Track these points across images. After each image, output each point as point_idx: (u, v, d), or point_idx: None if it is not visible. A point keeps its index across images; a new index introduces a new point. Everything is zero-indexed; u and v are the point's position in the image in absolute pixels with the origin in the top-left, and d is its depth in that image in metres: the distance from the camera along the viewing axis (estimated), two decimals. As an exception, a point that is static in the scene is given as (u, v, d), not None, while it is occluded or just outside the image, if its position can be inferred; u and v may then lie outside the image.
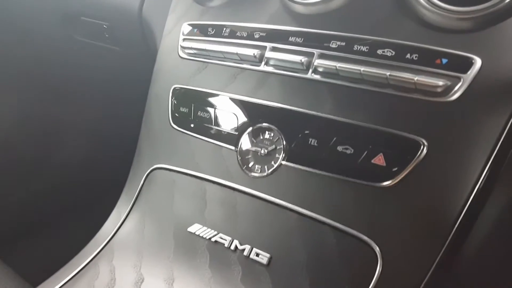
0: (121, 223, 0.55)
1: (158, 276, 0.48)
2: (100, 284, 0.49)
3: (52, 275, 0.52)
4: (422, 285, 0.41)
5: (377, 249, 0.41)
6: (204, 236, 0.50)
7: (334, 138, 0.45)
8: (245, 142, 0.51)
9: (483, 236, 0.44)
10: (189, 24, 0.59)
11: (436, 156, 0.41)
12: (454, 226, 0.41)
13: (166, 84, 0.59)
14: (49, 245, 0.75)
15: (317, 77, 0.47)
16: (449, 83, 0.41)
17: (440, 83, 0.40)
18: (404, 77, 0.41)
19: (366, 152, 0.43)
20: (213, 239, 0.49)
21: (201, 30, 0.57)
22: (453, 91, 0.41)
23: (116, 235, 0.54)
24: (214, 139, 0.53)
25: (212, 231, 0.50)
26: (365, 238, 0.42)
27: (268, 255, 0.46)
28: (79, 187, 0.81)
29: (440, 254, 0.41)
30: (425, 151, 0.41)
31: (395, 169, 0.41)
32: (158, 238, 0.52)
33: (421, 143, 0.41)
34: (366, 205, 0.43)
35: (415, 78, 0.41)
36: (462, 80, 0.40)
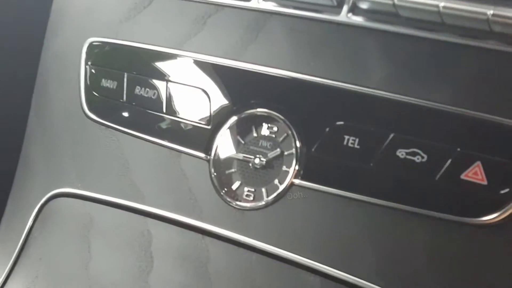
0: None
1: None
2: None
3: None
4: None
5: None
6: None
7: (391, 135, 0.45)
8: (225, 144, 0.51)
9: None
10: None
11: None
12: None
13: (75, 37, 0.59)
14: None
15: (358, 19, 0.48)
16: None
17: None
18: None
19: (450, 160, 0.43)
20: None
21: None
22: None
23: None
24: (165, 139, 0.54)
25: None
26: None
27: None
28: None
29: None
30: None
31: (505, 191, 0.42)
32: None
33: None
34: (450, 260, 0.43)
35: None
36: None
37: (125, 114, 0.56)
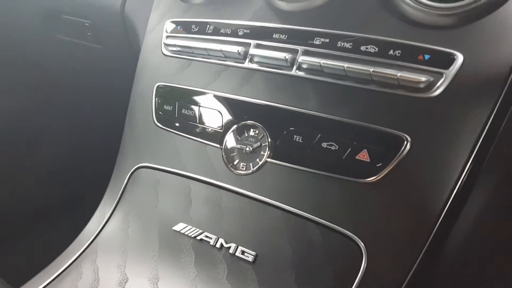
0: (105, 223, 0.54)
1: (143, 276, 0.47)
2: (83, 284, 0.48)
3: (34, 276, 0.50)
4: (406, 280, 0.41)
5: (362, 244, 0.42)
6: (189, 235, 0.49)
7: (319, 135, 0.45)
8: (230, 140, 0.51)
9: (466, 231, 0.45)
10: (172, 21, 0.58)
11: (419, 151, 0.41)
12: (438, 221, 0.41)
13: (149, 82, 0.58)
14: (32, 246, 0.73)
15: (301, 73, 0.47)
16: (431, 79, 0.41)
17: (423, 78, 0.41)
18: (387, 73, 0.42)
19: (350, 149, 0.43)
20: (198, 238, 0.49)
21: (185, 27, 0.57)
22: (435, 87, 0.41)
23: (99, 235, 0.53)
24: (198, 137, 0.53)
25: (197, 229, 0.49)
26: (350, 234, 0.42)
27: (254, 253, 0.46)
28: (61, 188, 0.80)
29: (424, 249, 0.41)
30: (408, 146, 0.41)
31: (379, 164, 0.41)
32: (143, 238, 0.51)
33: (405, 138, 0.41)
34: (350, 201, 0.43)
35: (398, 74, 0.41)
36: (444, 75, 0.41)
37: (177, 124, 0.55)
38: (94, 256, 0.50)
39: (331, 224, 0.43)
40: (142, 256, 0.49)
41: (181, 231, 0.50)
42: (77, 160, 0.82)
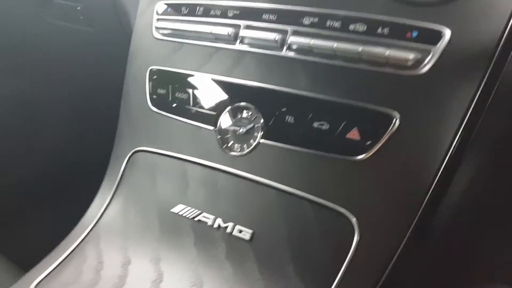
0: (105, 207, 0.55)
1: (145, 257, 0.49)
2: (88, 268, 0.50)
3: (41, 261, 0.52)
4: (398, 251, 0.42)
5: (353, 219, 0.43)
6: (188, 216, 0.51)
7: (310, 115, 0.45)
8: (224, 122, 0.51)
9: (455, 203, 0.46)
10: (164, 3, 0.58)
11: (408, 128, 0.42)
12: (427, 195, 0.42)
13: (142, 66, 0.58)
14: (36, 230, 0.75)
15: (291, 54, 0.47)
16: (419, 56, 0.41)
17: (411, 56, 0.41)
18: (375, 52, 0.42)
19: (341, 127, 0.44)
20: (196, 219, 0.50)
21: (175, 9, 0.57)
22: (423, 64, 0.41)
23: (101, 219, 0.54)
24: (193, 120, 0.54)
25: (196, 210, 0.51)
26: (342, 210, 0.43)
27: (250, 231, 0.47)
28: (62, 173, 0.81)
29: (415, 222, 0.43)
30: (397, 123, 0.42)
31: (369, 142, 0.42)
32: (143, 220, 0.53)
33: (393, 116, 0.42)
34: (342, 178, 0.44)
35: (386, 53, 0.42)
36: (432, 52, 0.41)
37: (171, 108, 0.56)
38: (97, 240, 0.52)
39: (323, 201, 0.44)
40: (143, 239, 0.51)
41: (179, 213, 0.51)
42: (76, 144, 0.83)
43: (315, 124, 0.45)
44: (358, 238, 0.43)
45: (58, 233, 0.56)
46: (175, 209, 0.52)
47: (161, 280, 0.46)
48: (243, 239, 0.47)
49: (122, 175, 0.57)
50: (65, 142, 0.85)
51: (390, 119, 0.42)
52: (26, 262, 0.56)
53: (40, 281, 0.50)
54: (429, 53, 0.41)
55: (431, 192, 0.42)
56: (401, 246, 0.43)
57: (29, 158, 0.79)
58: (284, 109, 0.47)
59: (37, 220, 0.80)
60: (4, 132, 0.74)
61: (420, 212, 0.42)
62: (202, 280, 0.45)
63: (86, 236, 0.53)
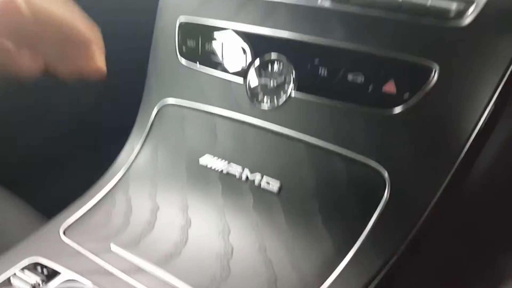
0: (135, 156, 0.56)
1: (173, 205, 0.50)
2: (117, 212, 0.51)
3: (68, 206, 0.53)
4: (429, 208, 0.42)
5: (385, 174, 0.42)
6: (216, 168, 0.51)
7: (345, 67, 0.45)
8: (254, 75, 0.51)
9: (490, 165, 0.45)
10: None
11: (447, 81, 0.41)
12: (462, 152, 0.41)
13: (171, 17, 0.58)
14: (61, 184, 0.76)
15: (327, 4, 0.46)
16: (462, 6, 0.40)
17: (453, 6, 0.40)
18: (417, 1, 0.41)
19: (377, 80, 0.43)
20: (224, 171, 0.50)
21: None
22: (466, 15, 0.40)
23: (130, 167, 0.55)
24: (222, 73, 0.53)
25: (223, 162, 0.51)
26: (373, 164, 0.43)
27: (278, 184, 0.47)
28: (92, 125, 0.82)
29: (447, 180, 0.42)
30: (436, 76, 0.41)
31: (406, 95, 0.41)
32: (171, 170, 0.53)
33: (433, 68, 0.41)
34: (376, 132, 0.43)
35: (428, 2, 0.40)
36: (475, 2, 0.39)
37: (200, 60, 0.55)
38: (126, 187, 0.53)
39: (355, 154, 0.44)
40: (172, 187, 0.52)
41: (207, 165, 0.52)
42: (100, 102, 0.83)
43: (350, 77, 0.44)
44: (389, 193, 0.42)
45: (86, 183, 0.57)
46: (203, 161, 0.52)
47: (189, 226, 0.47)
48: (270, 191, 0.47)
49: (151, 126, 0.57)
50: (88, 99, 0.85)
51: (429, 71, 0.41)
52: (52, 212, 0.56)
53: (69, 225, 0.51)
54: (472, 3, 0.40)
55: (467, 150, 0.41)
56: (432, 204, 0.42)
57: (51, 115, 0.79)
58: (317, 61, 0.46)
59: (62, 174, 0.81)
60: (25, 92, 0.75)
61: (454, 170, 0.42)
62: (229, 228, 0.46)
63: (115, 183, 0.54)
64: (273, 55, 0.50)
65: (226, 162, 0.50)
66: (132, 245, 0.45)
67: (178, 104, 0.56)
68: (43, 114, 0.74)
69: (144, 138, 0.57)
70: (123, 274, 0.42)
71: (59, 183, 0.78)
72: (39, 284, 0.40)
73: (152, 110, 0.58)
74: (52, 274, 0.41)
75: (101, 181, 0.55)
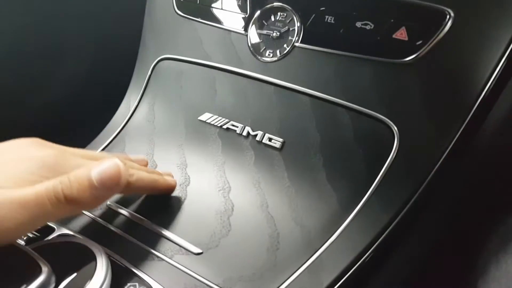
0: (131, 114, 0.53)
1: (171, 162, 0.48)
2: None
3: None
4: (439, 163, 0.40)
5: (394, 128, 0.40)
6: (215, 124, 0.49)
7: (353, 13, 0.42)
8: (256, 25, 0.48)
9: (503, 116, 0.43)
10: None
11: (462, 28, 0.38)
12: (475, 105, 0.39)
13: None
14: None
15: None
16: None
17: None
18: None
19: (387, 27, 0.40)
20: (224, 127, 0.48)
21: None
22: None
23: (126, 126, 0.53)
24: (222, 24, 0.50)
25: (223, 119, 0.49)
26: (382, 117, 0.41)
27: (281, 139, 0.45)
28: (84, 97, 0.80)
29: (458, 134, 0.40)
30: (450, 22, 0.38)
31: (419, 42, 0.39)
32: (169, 127, 0.51)
33: (447, 13, 0.38)
34: (386, 83, 0.41)
35: None
36: None
37: (199, 11, 0.52)
38: (122, 145, 0.51)
39: (362, 108, 0.42)
40: (170, 145, 0.49)
41: (207, 121, 0.49)
42: (98, 71, 0.80)
43: (358, 24, 0.42)
44: (398, 146, 0.40)
45: (83, 141, 0.55)
46: (202, 117, 0.50)
47: (188, 183, 0.45)
48: (273, 147, 0.45)
49: (147, 83, 0.55)
50: (87, 67, 0.82)
51: (442, 17, 0.38)
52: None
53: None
54: None
55: (478, 103, 0.39)
56: (443, 157, 0.40)
57: (52, 82, 0.77)
58: (323, 8, 0.43)
59: (61, 138, 0.79)
60: (26, 57, 0.72)
61: (466, 123, 0.40)
62: (230, 185, 0.44)
63: (111, 141, 0.52)
64: (277, 3, 0.47)
65: (227, 120, 0.48)
66: (129, 203, 0.44)
67: (175, 59, 0.53)
68: (43, 80, 0.72)
69: (140, 95, 0.54)
70: (119, 229, 0.40)
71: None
72: (34, 238, 0.39)
73: (149, 66, 0.55)
74: (45, 230, 0.40)
75: (97, 139, 0.53)
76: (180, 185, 0.45)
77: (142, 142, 0.51)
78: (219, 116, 0.49)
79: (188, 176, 0.46)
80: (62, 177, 0.30)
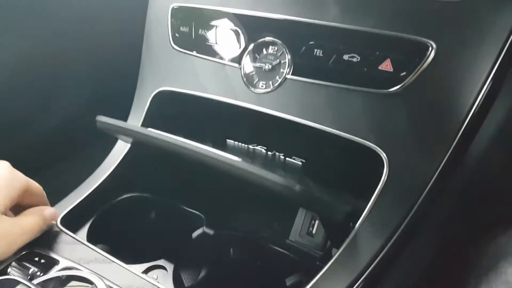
0: (129, 147, 0.55)
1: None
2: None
3: (67, 196, 0.53)
4: (427, 189, 0.41)
5: (384, 155, 0.42)
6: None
7: (340, 47, 0.44)
8: (249, 58, 0.50)
9: (487, 143, 0.44)
10: None
11: (444, 59, 0.40)
12: (460, 131, 0.41)
13: (164, 3, 0.57)
14: (62, 174, 0.76)
15: (321, -16, 0.45)
16: (458, -19, 0.39)
17: (450, -19, 0.39)
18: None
19: (373, 59, 0.42)
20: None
21: None
22: (462, -11, 0.39)
23: (124, 158, 0.54)
24: (216, 58, 0.52)
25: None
26: (371, 145, 0.42)
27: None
28: (78, 132, 0.81)
29: (445, 159, 0.41)
30: (433, 53, 0.40)
31: (403, 73, 0.41)
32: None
33: (429, 45, 0.40)
34: (373, 113, 0.43)
35: (423, -22, 0.39)
36: (471, -23, 0.38)
37: (194, 46, 0.54)
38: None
39: (352, 136, 0.43)
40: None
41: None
42: (93, 105, 0.82)
43: (345, 57, 0.43)
44: (387, 174, 0.42)
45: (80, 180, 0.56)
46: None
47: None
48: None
49: (146, 115, 0.56)
50: (83, 101, 0.84)
51: (425, 49, 0.40)
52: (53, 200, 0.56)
53: (65, 214, 0.50)
54: (468, -22, 0.39)
55: (463, 129, 0.41)
56: (430, 183, 0.41)
57: (46, 115, 0.78)
58: (312, 42, 0.45)
59: (59, 169, 0.80)
60: (22, 89, 0.74)
61: (451, 149, 0.41)
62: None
63: (109, 173, 0.53)
64: (268, 38, 0.49)
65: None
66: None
67: (173, 91, 0.55)
68: (41, 113, 0.73)
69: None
70: (120, 261, 0.41)
71: (57, 177, 0.78)
72: (36, 273, 0.39)
73: (147, 98, 0.57)
74: (49, 263, 0.41)
75: (97, 172, 0.54)
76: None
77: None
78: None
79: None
80: None
